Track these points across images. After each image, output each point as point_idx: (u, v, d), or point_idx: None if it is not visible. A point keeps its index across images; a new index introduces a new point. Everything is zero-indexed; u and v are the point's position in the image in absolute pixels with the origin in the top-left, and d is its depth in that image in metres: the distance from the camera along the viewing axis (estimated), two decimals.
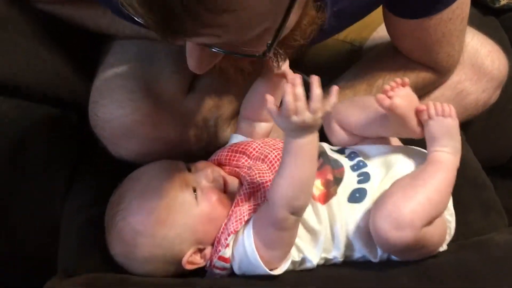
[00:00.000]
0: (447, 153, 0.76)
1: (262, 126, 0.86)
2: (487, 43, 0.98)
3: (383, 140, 0.83)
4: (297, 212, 0.70)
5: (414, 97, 0.78)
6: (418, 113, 0.77)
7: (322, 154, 0.81)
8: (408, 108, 0.77)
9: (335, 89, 0.66)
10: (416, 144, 0.84)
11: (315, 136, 0.67)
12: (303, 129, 0.66)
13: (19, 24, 0.90)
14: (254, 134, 0.86)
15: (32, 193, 0.90)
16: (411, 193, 0.71)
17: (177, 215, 0.74)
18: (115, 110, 0.86)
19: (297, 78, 0.65)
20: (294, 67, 0.80)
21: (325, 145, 0.83)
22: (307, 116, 0.64)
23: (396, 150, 0.80)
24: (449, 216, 0.79)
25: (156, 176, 0.77)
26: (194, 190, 0.76)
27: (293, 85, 0.64)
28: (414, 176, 0.74)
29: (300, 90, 0.64)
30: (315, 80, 0.64)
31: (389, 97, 0.75)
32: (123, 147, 0.87)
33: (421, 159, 0.79)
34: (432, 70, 0.92)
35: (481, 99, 0.98)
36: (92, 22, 0.95)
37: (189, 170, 0.79)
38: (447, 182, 0.74)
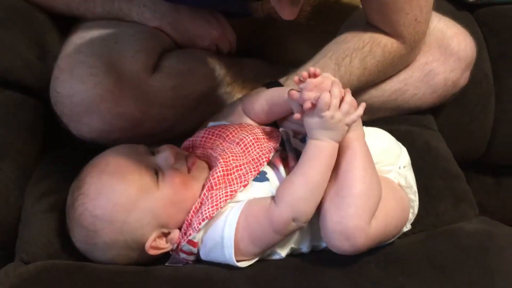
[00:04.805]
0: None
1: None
2: (453, 25, 1.00)
3: None
4: (299, 218, 0.70)
5: (328, 83, 0.73)
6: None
7: (286, 141, 0.80)
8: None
9: (363, 105, 0.72)
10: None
11: (335, 145, 0.70)
12: (328, 129, 0.69)
13: None
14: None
15: None
16: (339, 200, 0.70)
17: (137, 199, 0.72)
18: (76, 85, 0.84)
19: (337, 81, 0.71)
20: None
21: (290, 133, 0.82)
22: (337, 113, 0.69)
23: None
24: (413, 195, 0.80)
25: (115, 161, 0.75)
26: (156, 173, 0.74)
27: (333, 84, 0.70)
28: (334, 180, 0.72)
29: (337, 90, 0.69)
30: (348, 90, 0.70)
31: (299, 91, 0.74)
32: (84, 124, 0.85)
33: (383, 139, 0.81)
34: (399, 40, 0.92)
35: (450, 78, 0.99)
36: (62, 1, 0.94)
37: (153, 153, 0.78)
38: (365, 166, 0.72)
